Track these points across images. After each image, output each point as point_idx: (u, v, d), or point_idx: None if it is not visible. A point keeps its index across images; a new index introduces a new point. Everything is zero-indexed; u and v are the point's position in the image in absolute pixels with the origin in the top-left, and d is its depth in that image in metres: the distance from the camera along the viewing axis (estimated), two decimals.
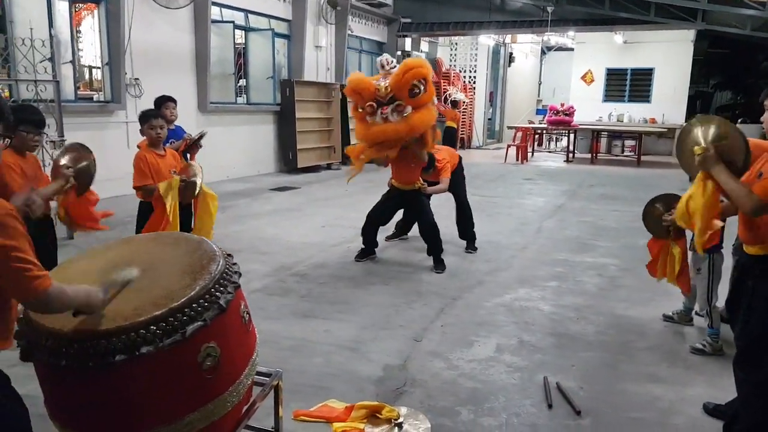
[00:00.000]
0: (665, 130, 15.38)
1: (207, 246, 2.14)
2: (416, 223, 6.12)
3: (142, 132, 3.93)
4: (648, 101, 16.67)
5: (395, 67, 4.72)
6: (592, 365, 3.32)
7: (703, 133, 2.57)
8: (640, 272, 5.06)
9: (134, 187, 3.85)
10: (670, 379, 3.17)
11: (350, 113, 5.12)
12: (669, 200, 3.46)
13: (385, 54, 4.91)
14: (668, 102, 16.20)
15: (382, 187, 5.63)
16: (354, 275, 4.96)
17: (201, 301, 1.85)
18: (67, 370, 1.71)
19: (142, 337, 1.72)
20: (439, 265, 5.14)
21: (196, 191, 3.89)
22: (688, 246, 3.50)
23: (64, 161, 3.22)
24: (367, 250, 5.43)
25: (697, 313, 3.88)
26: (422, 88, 4.62)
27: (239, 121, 10.34)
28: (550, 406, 2.85)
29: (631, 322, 3.97)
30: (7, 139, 1.64)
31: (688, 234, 3.39)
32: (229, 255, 2.13)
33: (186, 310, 1.80)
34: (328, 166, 12.20)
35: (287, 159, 11.32)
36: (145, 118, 3.90)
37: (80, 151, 3.36)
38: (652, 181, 11.04)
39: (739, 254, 2.68)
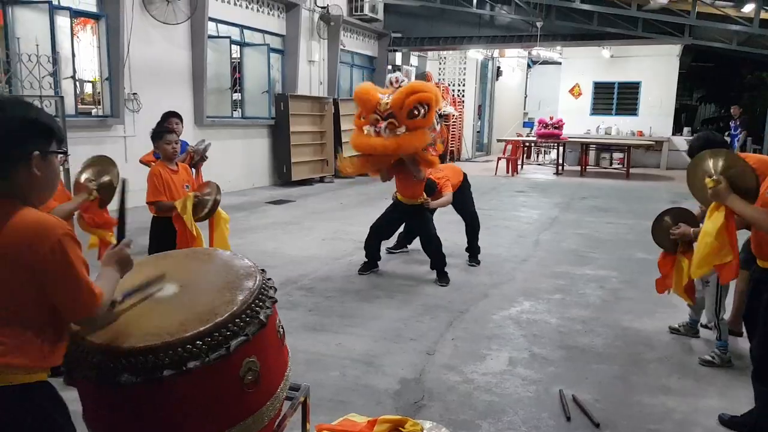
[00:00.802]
0: (653, 142, 15.68)
1: (242, 261, 2.17)
2: (415, 236, 6.21)
3: (156, 147, 3.95)
4: (635, 114, 16.99)
5: (403, 83, 4.79)
6: (605, 377, 3.38)
7: (712, 165, 2.68)
8: (640, 284, 5.19)
9: (148, 202, 3.86)
10: (682, 391, 3.24)
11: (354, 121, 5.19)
12: (678, 214, 3.56)
13: (397, 72, 4.98)
14: (655, 115, 16.53)
15: (376, 200, 5.69)
16: (359, 288, 4.99)
17: (243, 316, 1.88)
18: (113, 386, 1.72)
19: (189, 352, 1.74)
20: (443, 278, 5.19)
21: (206, 209, 3.90)
22: None
23: (86, 175, 3.22)
24: (371, 263, 5.47)
25: (703, 326, 3.97)
26: (422, 112, 4.61)
27: (235, 135, 10.36)
28: (568, 419, 2.90)
29: (638, 334, 4.05)
30: (63, 155, 1.66)
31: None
32: (262, 270, 2.16)
33: (229, 325, 1.83)
34: (321, 179, 12.24)
35: (281, 172, 11.34)
36: (160, 133, 3.93)
37: (103, 164, 3.37)
38: (642, 194, 11.24)
39: (752, 269, 2.76)
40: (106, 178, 3.32)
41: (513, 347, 3.79)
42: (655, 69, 16.36)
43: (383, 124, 4.64)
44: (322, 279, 5.25)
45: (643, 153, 16.38)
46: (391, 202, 5.50)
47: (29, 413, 1.50)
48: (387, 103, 4.63)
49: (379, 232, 5.46)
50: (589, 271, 5.67)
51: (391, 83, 4.79)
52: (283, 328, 2.18)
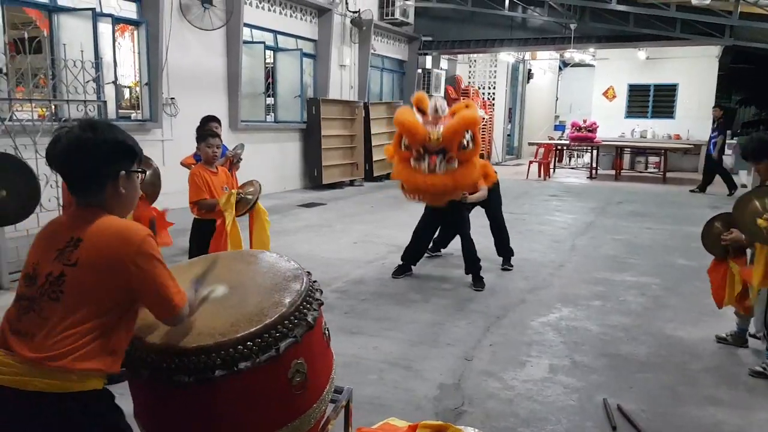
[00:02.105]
0: (691, 146, 15.29)
1: (288, 263, 2.18)
2: (450, 240, 6.16)
3: (198, 149, 4.01)
4: (672, 117, 16.61)
5: (445, 111, 4.62)
6: (650, 387, 3.29)
7: (763, 205, 2.60)
8: (683, 291, 5.06)
9: (191, 202, 3.92)
10: (732, 403, 3.13)
11: (390, 150, 4.94)
12: (728, 219, 3.44)
13: (438, 98, 4.72)
14: (693, 118, 16.13)
15: (406, 204, 5.66)
16: (394, 292, 4.98)
17: (292, 317, 1.88)
18: (166, 385, 1.74)
19: (240, 352, 1.75)
20: (478, 283, 5.14)
21: (249, 206, 3.96)
22: (747, 264, 3.46)
23: None
24: (405, 267, 5.45)
25: (751, 335, 3.83)
26: (471, 144, 4.54)
27: (267, 139, 10.47)
28: (614, 429, 2.83)
29: (682, 343, 3.93)
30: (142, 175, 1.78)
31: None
32: (308, 272, 2.16)
33: (279, 326, 1.84)
34: (351, 183, 12.28)
35: (312, 175, 11.42)
36: (202, 136, 3.99)
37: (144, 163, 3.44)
38: (679, 199, 10.96)
39: None
40: (146, 174, 3.39)
41: (553, 354, 3.72)
42: (692, 71, 15.97)
43: (437, 159, 4.44)
44: (356, 282, 5.25)
45: (680, 157, 16.00)
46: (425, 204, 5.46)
47: (96, 420, 1.55)
48: (438, 138, 4.41)
49: (424, 237, 5.49)
50: (629, 277, 5.54)
51: (436, 110, 4.55)
52: (328, 330, 2.18)
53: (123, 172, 1.61)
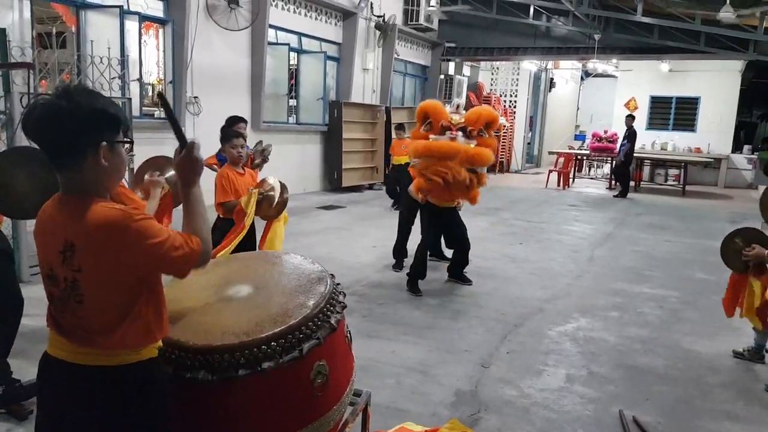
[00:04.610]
0: (711, 160, 15.10)
1: (312, 266, 2.21)
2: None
3: (222, 150, 4.06)
4: (693, 130, 16.42)
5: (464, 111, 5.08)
6: (666, 400, 3.27)
7: None
8: (701, 305, 5.02)
9: (217, 204, 3.96)
10: (748, 418, 3.10)
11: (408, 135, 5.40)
12: (748, 234, 3.42)
13: (458, 99, 5.27)
14: (714, 132, 15.94)
15: None
16: (411, 297, 4.99)
17: (315, 319, 1.91)
18: (189, 383, 1.76)
19: (264, 352, 1.78)
20: (467, 279, 5.40)
21: (272, 205, 3.96)
22: None
23: (147, 176, 3.31)
24: (414, 282, 5.24)
25: None
26: (487, 134, 4.94)
27: (289, 140, 10.55)
28: None
29: (700, 357, 3.90)
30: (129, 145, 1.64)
31: None
32: (332, 275, 2.20)
33: (302, 328, 1.87)
34: (371, 186, 12.32)
35: (332, 178, 11.49)
36: (227, 137, 4.03)
37: (158, 161, 3.46)
38: (699, 212, 10.84)
39: None
40: (171, 172, 3.40)
41: (570, 364, 3.72)
42: (715, 84, 15.79)
43: (458, 133, 4.79)
44: (374, 285, 5.28)
45: (700, 170, 15.80)
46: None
47: (136, 391, 1.57)
48: (459, 121, 4.87)
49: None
50: (647, 289, 5.50)
51: (458, 106, 5.16)
52: (350, 333, 2.21)
53: (104, 143, 1.46)
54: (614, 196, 12.60)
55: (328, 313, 1.98)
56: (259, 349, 1.79)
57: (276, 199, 3.93)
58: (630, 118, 12.76)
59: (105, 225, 1.45)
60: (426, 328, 4.24)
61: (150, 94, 8.88)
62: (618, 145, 13.26)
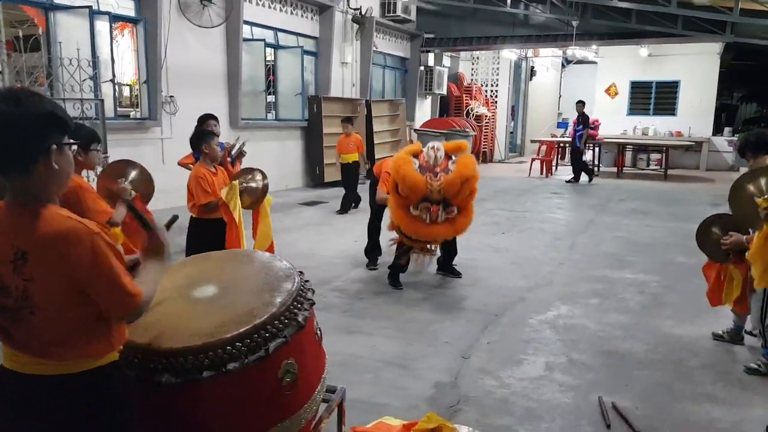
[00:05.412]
0: (692, 143, 15.24)
1: (280, 263, 2.18)
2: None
3: (197, 150, 4.01)
4: (674, 114, 16.54)
5: (441, 152, 4.47)
6: (646, 384, 3.28)
7: (760, 186, 2.58)
8: (681, 289, 5.05)
9: (198, 205, 3.92)
10: (727, 400, 3.12)
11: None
12: (724, 222, 3.42)
13: (435, 145, 4.52)
14: (694, 115, 16.06)
15: None
16: (392, 290, 4.97)
17: (282, 318, 1.88)
18: (154, 386, 1.73)
19: (229, 353, 1.75)
20: (457, 272, 5.36)
21: (255, 196, 3.97)
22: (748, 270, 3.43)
23: (113, 186, 3.28)
24: (395, 275, 5.19)
25: (747, 332, 3.82)
26: (470, 192, 4.52)
27: (269, 137, 10.46)
28: (608, 426, 2.82)
29: (680, 341, 3.92)
30: (75, 148, 1.65)
31: None
32: (300, 272, 2.16)
33: (268, 326, 1.84)
34: None
35: (314, 173, 11.42)
36: (204, 137, 3.99)
37: (126, 166, 3.44)
38: (681, 196, 10.93)
39: None
40: (134, 173, 3.38)
41: (550, 352, 3.72)
42: (694, 68, 15.90)
43: (439, 211, 4.39)
44: (355, 281, 5.25)
45: (681, 154, 15.93)
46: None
47: (95, 397, 1.54)
48: (439, 190, 4.34)
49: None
50: (628, 275, 5.53)
51: (435, 160, 4.42)
52: (320, 330, 2.18)
53: (54, 146, 1.44)
54: (566, 182, 12.70)
55: (295, 311, 1.94)
56: (223, 350, 1.76)
57: (259, 187, 3.94)
58: (580, 104, 12.81)
59: (62, 235, 1.42)
60: (407, 322, 4.22)
61: (126, 95, 8.76)
62: (571, 131, 13.34)
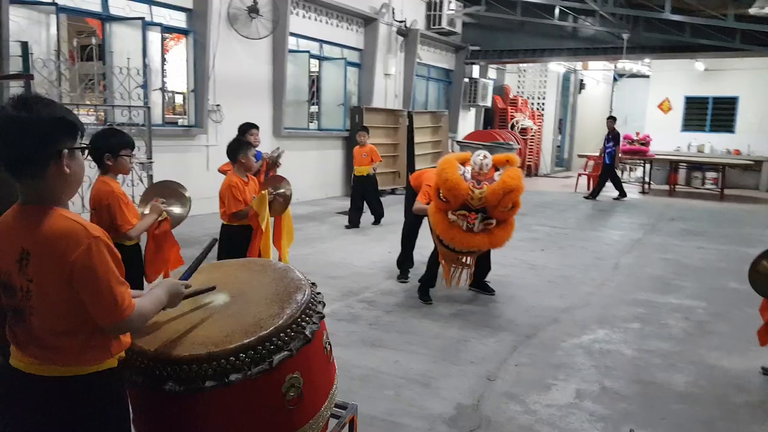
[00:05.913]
0: (752, 162, 14.50)
1: (293, 274, 2.14)
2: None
3: (235, 160, 4.06)
4: (732, 131, 15.79)
5: (489, 160, 4.43)
6: (685, 420, 3.07)
7: None
8: (732, 317, 4.74)
9: (231, 213, 3.99)
10: None
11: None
12: None
13: (483, 153, 4.45)
14: (754, 133, 15.30)
15: None
16: (422, 305, 4.87)
17: (288, 330, 1.84)
18: (158, 393, 1.72)
19: (232, 364, 1.72)
20: (489, 289, 5.21)
21: (287, 201, 4.06)
22: None
23: (153, 200, 3.34)
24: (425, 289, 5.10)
25: None
26: (513, 205, 4.45)
27: (310, 146, 10.58)
28: None
29: (726, 374, 3.66)
30: (85, 152, 1.66)
31: None
32: (313, 284, 2.12)
33: (273, 339, 1.80)
34: (393, 191, 12.22)
35: None
36: (243, 146, 4.07)
37: (168, 189, 3.54)
38: (738, 217, 10.38)
39: None
40: (173, 209, 3.48)
41: (582, 378, 3.54)
42: (754, 83, 15.16)
43: (477, 221, 4.32)
44: (385, 293, 5.18)
45: (739, 173, 15.17)
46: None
47: (91, 403, 1.55)
48: (480, 198, 4.28)
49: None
50: (674, 300, 5.24)
51: (480, 168, 4.37)
52: (330, 344, 2.12)
53: (66, 150, 1.47)
54: (614, 199, 12.19)
55: (303, 323, 1.89)
56: (227, 360, 1.73)
57: (288, 196, 4.03)
58: (611, 120, 12.35)
59: (61, 235, 1.44)
60: (433, 338, 4.11)
61: (178, 102, 9.03)
62: (602, 148, 12.64)
